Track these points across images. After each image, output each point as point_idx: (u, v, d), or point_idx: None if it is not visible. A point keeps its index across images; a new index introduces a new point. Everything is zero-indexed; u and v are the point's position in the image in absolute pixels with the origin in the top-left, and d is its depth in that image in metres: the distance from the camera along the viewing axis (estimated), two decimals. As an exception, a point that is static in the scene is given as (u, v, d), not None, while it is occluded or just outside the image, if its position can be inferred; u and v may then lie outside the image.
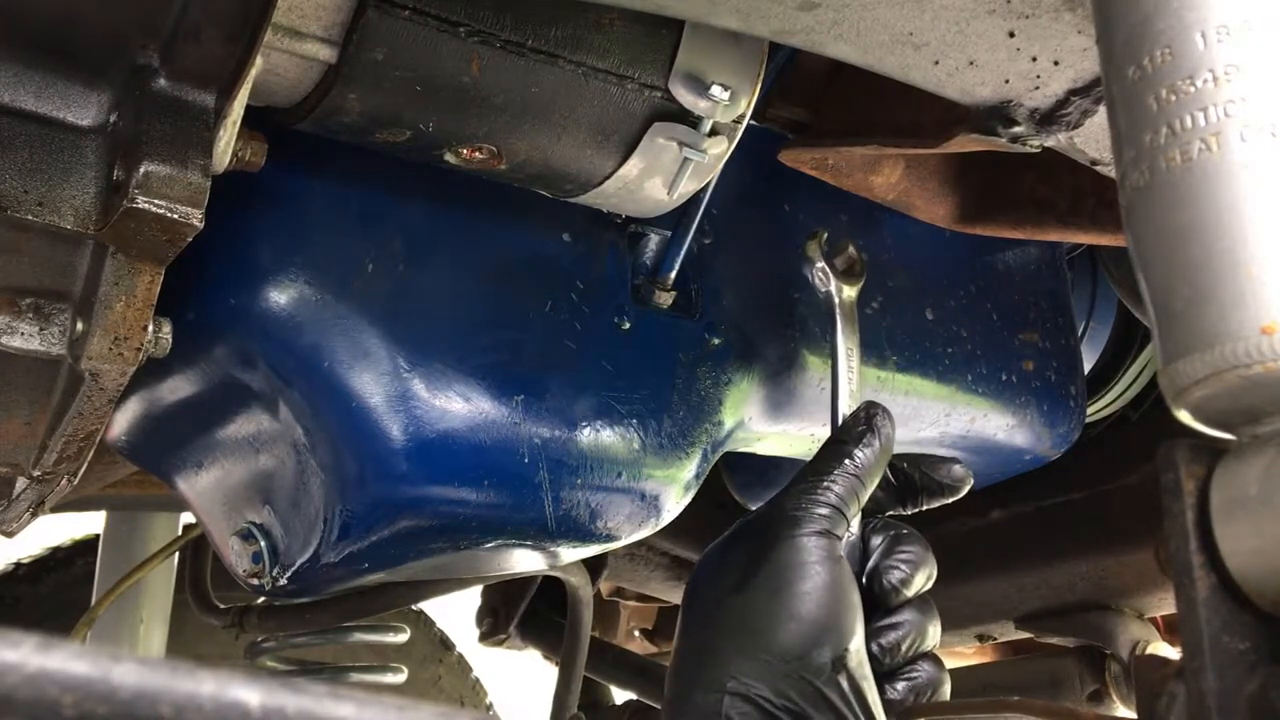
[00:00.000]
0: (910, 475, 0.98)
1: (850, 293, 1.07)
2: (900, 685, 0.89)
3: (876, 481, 0.94)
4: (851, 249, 1.08)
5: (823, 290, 1.07)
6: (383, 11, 0.78)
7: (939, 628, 0.92)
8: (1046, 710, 1.48)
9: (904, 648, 0.90)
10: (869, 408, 0.96)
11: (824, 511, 0.88)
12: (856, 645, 0.86)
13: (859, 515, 0.94)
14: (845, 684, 0.83)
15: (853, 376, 1.04)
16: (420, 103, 0.84)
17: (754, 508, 0.97)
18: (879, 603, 0.90)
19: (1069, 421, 1.35)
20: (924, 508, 0.99)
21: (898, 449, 1.25)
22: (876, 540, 0.92)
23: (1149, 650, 1.43)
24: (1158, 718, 0.53)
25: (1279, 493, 0.48)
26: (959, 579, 1.59)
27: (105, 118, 0.74)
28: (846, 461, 0.91)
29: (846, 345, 1.05)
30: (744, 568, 0.88)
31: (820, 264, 1.07)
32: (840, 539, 0.89)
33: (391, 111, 0.84)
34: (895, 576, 0.91)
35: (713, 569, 0.92)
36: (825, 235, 1.08)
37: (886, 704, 0.87)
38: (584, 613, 1.40)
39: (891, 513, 0.98)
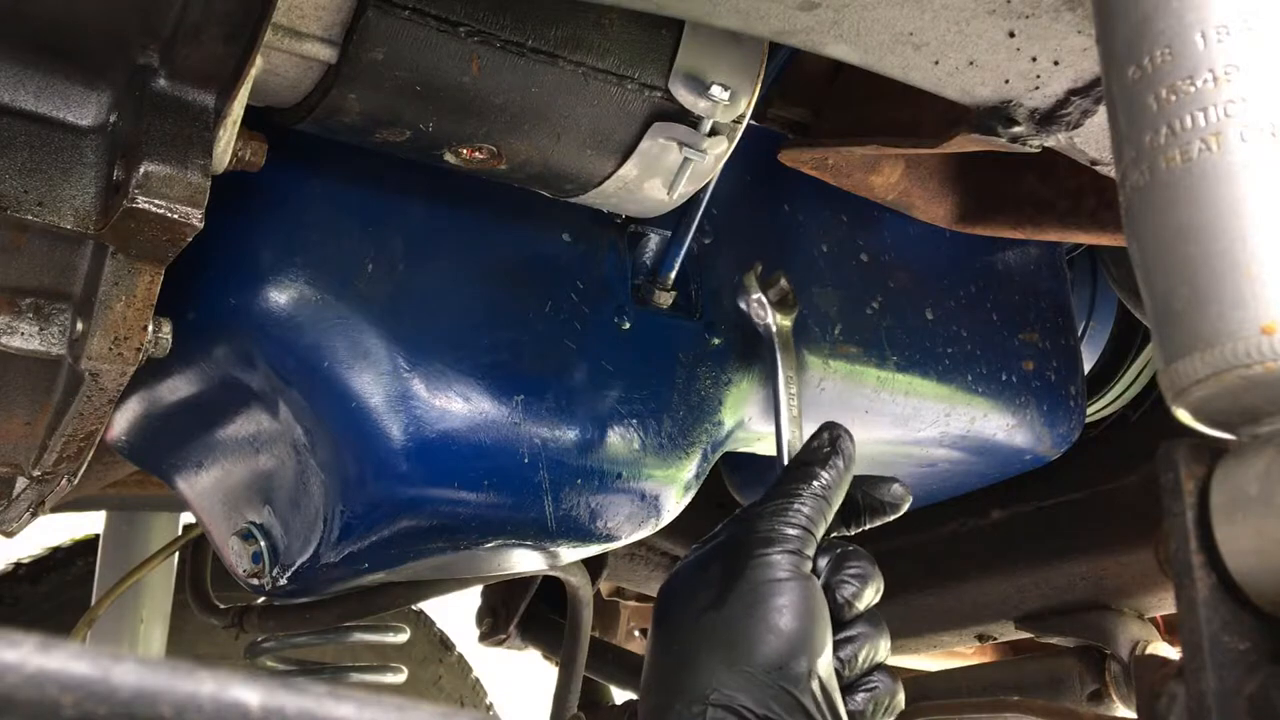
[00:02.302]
0: (853, 495, 1.01)
1: (785, 322, 1.10)
2: (860, 696, 0.92)
3: (841, 500, 0.97)
4: (783, 281, 1.11)
5: (760, 322, 1.09)
6: (382, 11, 0.78)
7: (889, 640, 0.95)
8: (1046, 710, 1.49)
9: (860, 659, 0.93)
10: (831, 429, 0.99)
11: (794, 533, 0.91)
12: (826, 658, 0.89)
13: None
14: (819, 694, 0.86)
15: (794, 403, 1.07)
16: (420, 103, 0.84)
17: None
18: (832, 618, 0.93)
19: (1069, 421, 1.35)
20: (866, 526, 1.02)
21: (897, 447, 1.26)
22: (823, 560, 0.95)
23: (1149, 650, 1.43)
24: (1158, 718, 0.53)
25: (1279, 493, 0.48)
26: (959, 579, 1.59)
27: (105, 118, 0.74)
28: (814, 483, 0.94)
29: (786, 373, 1.08)
30: (719, 585, 0.91)
31: (756, 295, 1.09)
32: (809, 558, 0.92)
33: (391, 111, 0.84)
34: (846, 592, 0.93)
35: (686, 587, 0.94)
36: (760, 268, 1.09)
37: (850, 716, 0.90)
38: (584, 613, 1.40)
39: (836, 534, 1.00)
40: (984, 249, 1.33)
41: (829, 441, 0.97)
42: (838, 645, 0.92)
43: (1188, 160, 0.52)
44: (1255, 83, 0.51)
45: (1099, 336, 1.64)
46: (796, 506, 0.92)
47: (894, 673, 0.95)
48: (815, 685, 0.86)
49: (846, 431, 0.99)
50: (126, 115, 0.73)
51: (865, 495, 1.01)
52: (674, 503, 1.08)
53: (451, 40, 0.81)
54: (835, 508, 0.96)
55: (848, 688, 0.92)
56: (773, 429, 1.16)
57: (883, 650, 0.94)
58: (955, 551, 1.59)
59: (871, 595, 0.95)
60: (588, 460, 1.01)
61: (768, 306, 1.09)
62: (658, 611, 0.96)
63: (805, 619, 0.88)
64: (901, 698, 0.95)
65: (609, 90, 0.88)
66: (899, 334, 1.23)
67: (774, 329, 1.09)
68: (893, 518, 1.02)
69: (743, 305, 1.10)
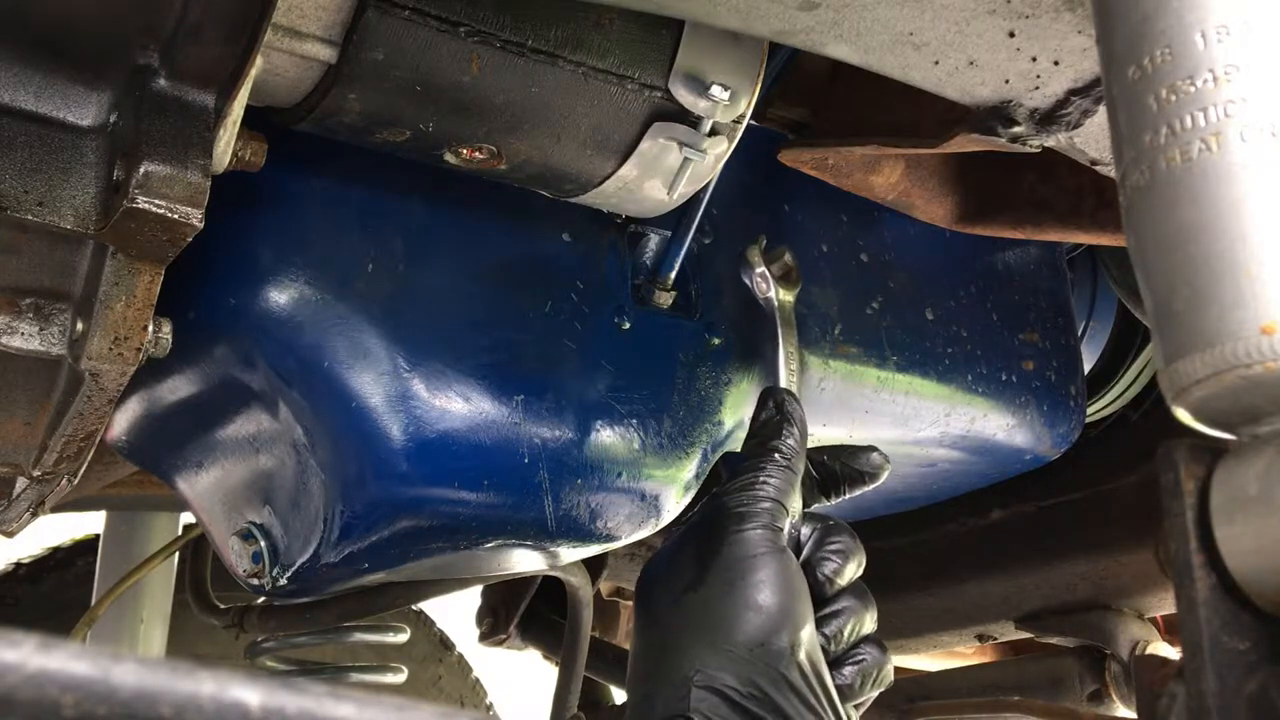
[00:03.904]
0: (831, 466, 1.01)
1: (788, 297, 1.09)
2: (847, 670, 0.93)
3: (803, 464, 0.97)
4: (788, 256, 1.10)
5: (763, 296, 1.08)
6: (382, 11, 0.78)
7: (875, 612, 0.96)
8: (1046, 710, 1.49)
9: (846, 633, 0.93)
10: (774, 394, 0.99)
11: (766, 505, 0.91)
12: (809, 632, 0.89)
13: (799, 503, 0.96)
14: (803, 668, 0.86)
15: (794, 380, 1.07)
16: (420, 103, 0.84)
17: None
18: (816, 595, 0.93)
19: (1069, 421, 1.35)
20: (846, 496, 1.02)
21: (897, 447, 1.26)
22: (805, 532, 0.95)
23: (1149, 650, 1.43)
24: (1158, 718, 0.53)
25: (1279, 493, 0.48)
26: (959, 579, 1.59)
27: (105, 118, 0.74)
28: (775, 455, 0.94)
29: (787, 348, 1.08)
30: (696, 566, 0.91)
31: (760, 269, 1.09)
32: (783, 530, 0.92)
33: (391, 111, 0.84)
34: (828, 568, 0.94)
35: (663, 572, 0.95)
36: (764, 241, 1.09)
37: (838, 690, 0.90)
38: (584, 613, 1.40)
39: (816, 504, 1.01)
40: (984, 249, 1.33)
41: (776, 408, 0.97)
42: (822, 621, 0.92)
43: (1188, 160, 0.52)
44: (1255, 83, 0.51)
45: (1099, 336, 1.64)
46: (763, 480, 0.92)
47: (881, 644, 0.95)
48: (799, 660, 0.86)
49: (790, 393, 1.00)
50: (126, 115, 0.73)
51: (844, 465, 1.01)
52: (674, 503, 1.08)
53: (451, 40, 0.81)
54: (800, 472, 0.96)
55: (835, 662, 0.92)
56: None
57: (869, 623, 0.95)
58: (955, 551, 1.59)
59: (853, 570, 0.95)
60: (588, 460, 1.01)
61: (771, 280, 1.09)
62: (638, 598, 0.96)
63: (785, 594, 0.88)
64: (890, 668, 0.95)
65: (609, 90, 0.88)
66: (899, 334, 1.23)
67: (776, 304, 1.08)
68: (871, 487, 1.02)
69: (745, 279, 1.10)
